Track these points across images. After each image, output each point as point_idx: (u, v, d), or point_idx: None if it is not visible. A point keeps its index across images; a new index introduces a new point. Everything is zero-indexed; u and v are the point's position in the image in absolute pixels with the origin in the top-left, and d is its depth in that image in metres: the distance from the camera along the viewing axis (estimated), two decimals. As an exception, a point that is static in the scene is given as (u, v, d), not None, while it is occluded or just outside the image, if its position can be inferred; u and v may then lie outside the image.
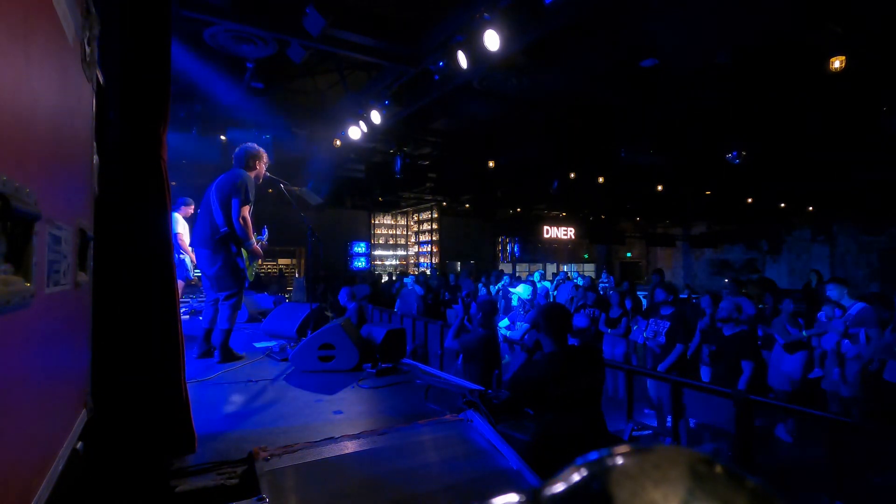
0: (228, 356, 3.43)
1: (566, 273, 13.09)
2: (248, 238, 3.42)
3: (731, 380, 4.27)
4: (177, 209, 5.59)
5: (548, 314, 2.40)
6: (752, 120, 7.77)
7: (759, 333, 5.63)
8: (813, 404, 4.41)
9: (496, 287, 8.66)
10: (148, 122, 1.69)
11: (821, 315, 5.27)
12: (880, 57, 5.33)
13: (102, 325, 1.58)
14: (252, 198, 3.45)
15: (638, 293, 7.65)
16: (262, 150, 3.70)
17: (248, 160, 3.59)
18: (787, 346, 5.23)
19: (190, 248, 5.62)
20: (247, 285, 3.61)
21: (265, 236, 3.92)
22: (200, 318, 3.75)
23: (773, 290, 7.53)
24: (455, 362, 4.14)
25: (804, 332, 5.20)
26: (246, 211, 3.39)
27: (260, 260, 3.68)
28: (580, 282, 8.44)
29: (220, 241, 3.37)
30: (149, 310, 1.66)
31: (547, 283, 8.96)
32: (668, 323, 5.33)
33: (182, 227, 5.51)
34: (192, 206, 5.66)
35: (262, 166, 3.68)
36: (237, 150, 3.65)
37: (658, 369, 5.18)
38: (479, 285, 9.36)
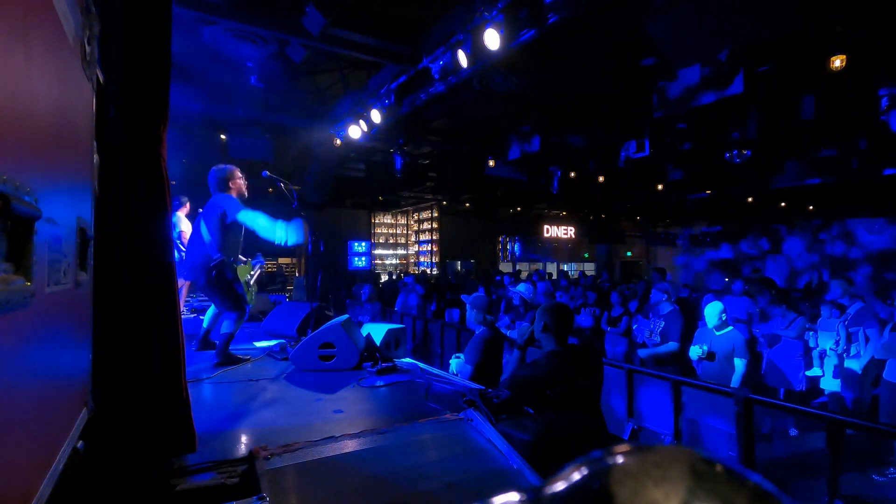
0: (227, 360, 3.26)
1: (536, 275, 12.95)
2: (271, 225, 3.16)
3: (724, 379, 4.27)
4: (177, 209, 5.59)
5: (551, 313, 2.40)
6: (752, 118, 7.75)
7: (755, 332, 5.62)
8: (812, 404, 4.42)
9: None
10: (148, 121, 1.68)
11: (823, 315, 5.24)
12: (881, 55, 5.33)
13: (103, 325, 1.58)
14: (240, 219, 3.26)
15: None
16: (231, 168, 3.48)
17: (221, 183, 3.39)
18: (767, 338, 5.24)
19: None
20: (248, 309, 3.48)
21: (262, 263, 3.69)
22: (202, 317, 3.74)
23: (774, 290, 7.51)
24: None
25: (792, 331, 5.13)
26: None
27: (259, 269, 3.56)
28: (521, 288, 8.26)
29: (213, 268, 3.20)
30: (149, 309, 1.66)
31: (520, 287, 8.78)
32: (664, 322, 5.31)
33: (185, 226, 5.51)
34: (188, 204, 5.62)
35: (240, 182, 3.48)
36: (209, 176, 3.42)
37: (639, 355, 5.29)
38: (479, 286, 9.35)
